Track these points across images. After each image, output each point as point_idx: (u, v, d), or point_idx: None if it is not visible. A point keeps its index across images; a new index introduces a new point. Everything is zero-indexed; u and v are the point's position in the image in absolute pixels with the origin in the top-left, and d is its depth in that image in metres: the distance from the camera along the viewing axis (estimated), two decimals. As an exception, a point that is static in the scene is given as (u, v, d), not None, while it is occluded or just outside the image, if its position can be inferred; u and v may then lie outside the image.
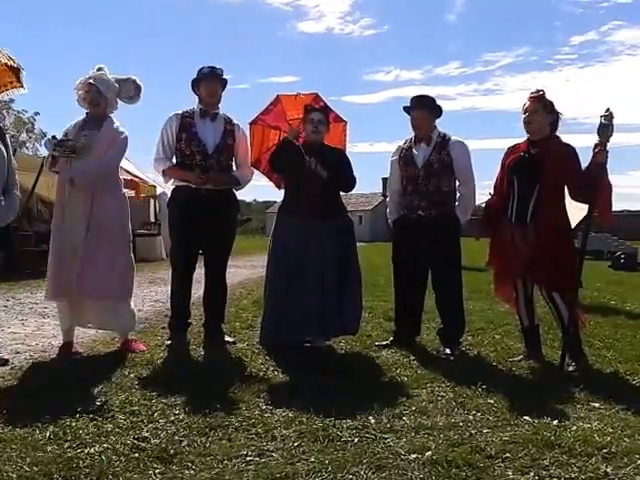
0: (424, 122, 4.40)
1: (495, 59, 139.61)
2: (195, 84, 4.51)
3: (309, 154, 4.31)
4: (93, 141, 4.09)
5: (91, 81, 4.10)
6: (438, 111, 4.46)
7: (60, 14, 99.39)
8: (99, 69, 4.18)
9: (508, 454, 2.46)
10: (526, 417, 2.88)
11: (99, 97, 4.12)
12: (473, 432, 2.70)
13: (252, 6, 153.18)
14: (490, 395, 3.21)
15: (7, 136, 4.09)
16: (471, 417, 2.91)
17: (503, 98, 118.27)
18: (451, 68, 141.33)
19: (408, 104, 4.47)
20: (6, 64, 3.89)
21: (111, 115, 4.26)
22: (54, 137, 4.07)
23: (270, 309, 4.42)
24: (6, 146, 3.94)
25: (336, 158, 4.45)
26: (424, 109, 4.40)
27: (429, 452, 2.44)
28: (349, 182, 4.51)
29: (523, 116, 4.00)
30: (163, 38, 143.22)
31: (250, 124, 4.64)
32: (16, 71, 3.97)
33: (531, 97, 3.98)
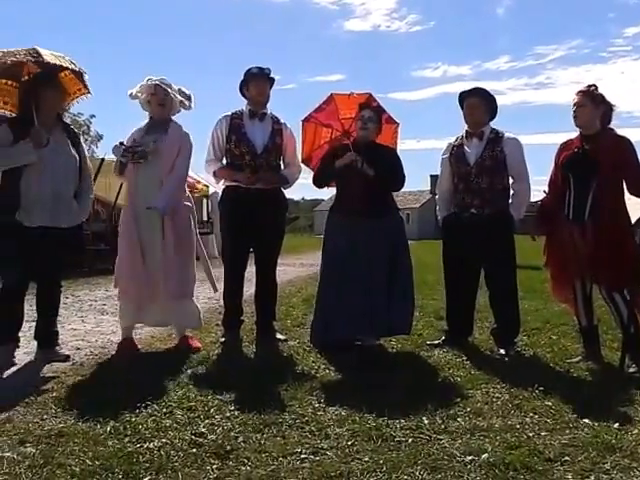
0: (477, 110, 4.33)
1: (546, 52, 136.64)
2: (244, 85, 4.56)
3: (358, 151, 4.31)
4: (162, 145, 4.20)
5: (157, 82, 4.21)
6: (492, 103, 4.39)
7: (114, 18, 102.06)
8: (149, 79, 4.27)
9: (567, 457, 2.41)
10: (585, 420, 2.81)
11: (165, 98, 4.23)
12: (530, 435, 2.65)
13: (299, 6, 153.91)
14: (548, 397, 3.14)
15: (81, 141, 4.24)
16: (528, 419, 2.85)
17: (555, 92, 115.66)
18: (501, 62, 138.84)
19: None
20: (73, 70, 4.00)
21: (173, 118, 4.36)
22: (122, 143, 4.17)
23: (320, 309, 4.45)
24: (79, 151, 4.08)
25: (386, 156, 4.43)
26: (478, 96, 4.35)
27: (485, 454, 2.41)
28: (398, 181, 4.49)
29: (572, 110, 3.94)
30: (209, 40, 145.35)
31: (303, 121, 4.67)
32: (80, 75, 4.07)
33: (579, 91, 3.92)
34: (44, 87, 3.88)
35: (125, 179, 4.38)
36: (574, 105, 3.93)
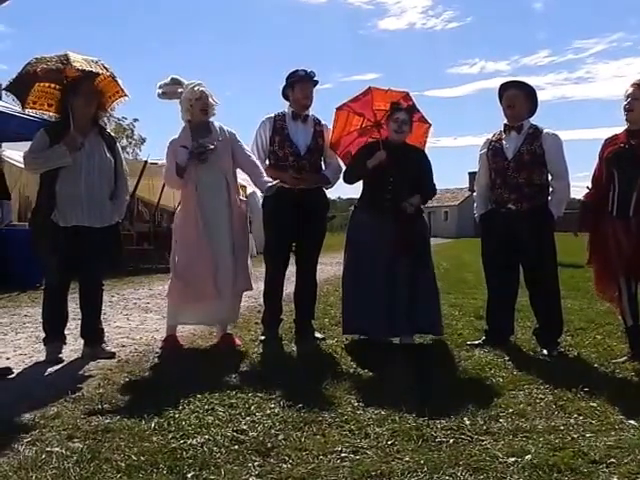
0: (516, 101, 4.27)
1: (587, 46, 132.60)
2: (289, 86, 4.60)
3: (388, 151, 4.31)
4: (219, 145, 4.30)
5: (203, 89, 4.28)
6: (532, 96, 4.33)
7: (159, 24, 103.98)
8: (173, 79, 4.33)
9: (613, 459, 2.36)
10: (631, 421, 2.75)
11: (209, 103, 4.32)
12: (575, 436, 2.60)
13: (334, 6, 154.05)
14: (592, 398, 3.09)
15: (117, 144, 4.32)
16: (572, 421, 2.80)
17: (596, 86, 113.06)
18: (540, 57, 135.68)
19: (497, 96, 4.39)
20: (111, 76, 4.09)
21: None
22: (184, 147, 4.24)
23: (345, 305, 4.50)
24: (114, 154, 4.17)
25: (415, 159, 4.44)
26: (518, 88, 4.31)
27: (529, 456, 2.38)
28: (430, 194, 4.57)
29: (624, 103, 3.83)
30: (246, 41, 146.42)
31: (337, 109, 4.66)
32: (115, 80, 4.14)
33: (633, 83, 3.82)
34: (74, 95, 3.96)
35: (180, 184, 4.37)
36: (627, 97, 3.83)
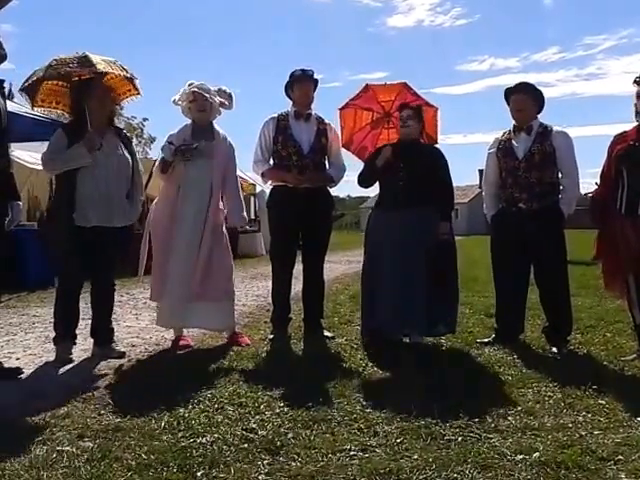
0: (525, 104, 4.26)
1: (597, 42, 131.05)
2: (289, 86, 4.64)
3: (399, 149, 4.30)
4: (211, 150, 4.32)
5: (195, 89, 4.30)
6: (540, 98, 4.32)
7: (167, 23, 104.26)
8: (190, 84, 4.36)
9: (621, 457, 2.36)
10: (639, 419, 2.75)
11: (205, 103, 4.33)
12: (583, 434, 2.60)
13: (341, 4, 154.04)
14: (601, 396, 3.08)
15: (132, 144, 4.36)
16: (581, 418, 2.80)
17: (607, 82, 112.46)
18: (549, 54, 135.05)
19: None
20: (124, 76, 4.12)
21: (214, 123, 4.46)
22: (171, 143, 4.29)
23: (364, 306, 4.47)
24: (131, 153, 4.21)
25: (429, 155, 4.42)
26: (525, 93, 4.29)
27: (537, 453, 2.38)
28: (449, 207, 4.51)
29: (636, 101, 3.81)
30: (255, 40, 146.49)
31: (340, 109, 4.66)
32: (131, 80, 4.19)
33: (634, 81, 3.80)
34: (88, 96, 3.97)
35: (165, 178, 4.44)
36: (638, 97, 3.80)
